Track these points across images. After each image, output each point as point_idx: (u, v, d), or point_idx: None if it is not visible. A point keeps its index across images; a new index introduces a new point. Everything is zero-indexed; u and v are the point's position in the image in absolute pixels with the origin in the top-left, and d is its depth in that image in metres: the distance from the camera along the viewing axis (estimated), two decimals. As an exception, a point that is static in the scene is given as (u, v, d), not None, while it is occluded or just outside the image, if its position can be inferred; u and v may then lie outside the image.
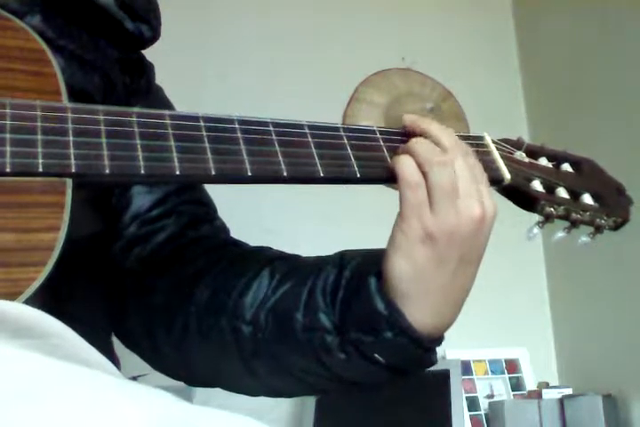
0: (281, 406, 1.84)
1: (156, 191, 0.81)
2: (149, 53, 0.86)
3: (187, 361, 0.75)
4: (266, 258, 0.76)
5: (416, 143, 0.65)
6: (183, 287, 0.75)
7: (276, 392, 0.76)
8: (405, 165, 0.64)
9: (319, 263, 0.71)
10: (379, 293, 0.64)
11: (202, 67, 1.99)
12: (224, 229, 0.86)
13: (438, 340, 0.66)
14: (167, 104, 0.86)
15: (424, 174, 0.63)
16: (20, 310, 0.49)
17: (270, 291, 0.71)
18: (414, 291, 0.63)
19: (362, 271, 0.66)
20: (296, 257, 0.76)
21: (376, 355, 0.65)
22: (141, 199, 0.80)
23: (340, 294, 0.67)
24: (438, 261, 0.62)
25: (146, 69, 0.86)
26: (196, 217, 0.83)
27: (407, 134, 0.69)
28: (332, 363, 0.67)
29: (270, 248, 0.80)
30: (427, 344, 0.64)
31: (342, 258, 0.70)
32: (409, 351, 0.64)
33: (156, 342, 0.76)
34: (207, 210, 0.86)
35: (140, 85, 0.83)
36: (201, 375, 0.77)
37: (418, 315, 0.63)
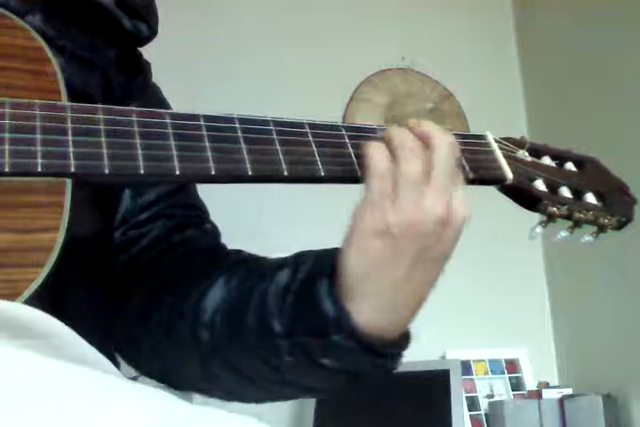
0: (281, 407, 1.84)
1: (146, 194, 0.80)
2: (149, 51, 0.86)
3: (162, 366, 0.75)
4: (230, 262, 0.74)
5: (392, 130, 0.63)
6: (154, 293, 0.74)
7: (237, 398, 0.74)
8: (375, 152, 0.61)
9: (276, 265, 0.68)
10: (328, 294, 0.61)
11: (201, 66, 1.99)
12: (212, 233, 0.84)
13: (392, 345, 0.63)
14: (163, 103, 0.85)
15: (394, 162, 0.60)
16: (19, 311, 0.49)
17: (226, 294, 0.69)
18: (366, 285, 0.60)
19: (314, 273, 0.64)
20: (258, 260, 0.74)
21: (325, 360, 0.62)
22: (131, 203, 0.79)
23: (291, 297, 0.64)
24: (393, 257, 0.59)
25: (142, 68, 0.85)
26: (184, 221, 0.81)
27: None
28: (284, 368, 0.64)
29: (240, 251, 0.78)
30: (379, 349, 0.61)
31: (297, 259, 0.68)
32: (358, 355, 0.61)
33: (136, 348, 0.75)
34: (197, 213, 0.84)
35: (135, 84, 0.83)
36: (176, 380, 0.75)
37: (368, 313, 0.60)
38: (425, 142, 0.62)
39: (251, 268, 0.71)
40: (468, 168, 0.67)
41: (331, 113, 2.05)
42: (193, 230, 0.81)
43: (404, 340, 0.64)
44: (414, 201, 0.59)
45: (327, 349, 0.61)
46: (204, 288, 0.70)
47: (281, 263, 0.68)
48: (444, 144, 0.62)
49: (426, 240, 0.60)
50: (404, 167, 0.60)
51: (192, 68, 1.96)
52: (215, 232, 0.85)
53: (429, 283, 0.62)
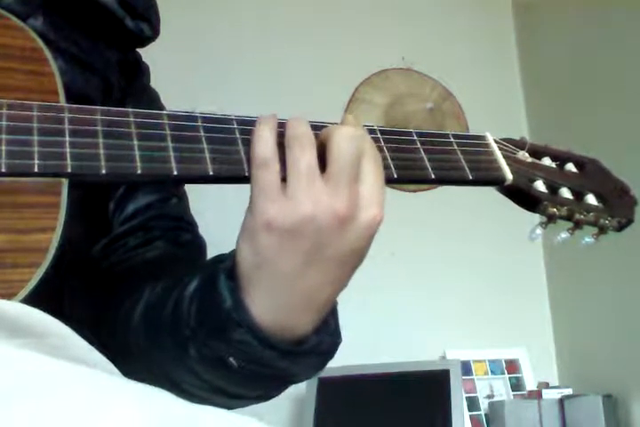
0: (281, 407, 1.84)
1: (127, 208, 0.79)
2: (148, 51, 0.86)
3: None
4: (165, 269, 0.73)
5: (291, 120, 0.60)
6: (102, 302, 0.74)
7: None
8: (260, 139, 0.59)
9: (197, 269, 0.67)
10: (226, 284, 0.59)
11: (201, 66, 1.99)
12: (192, 245, 0.82)
13: (298, 343, 0.60)
14: (159, 108, 0.85)
15: (284, 151, 0.58)
16: (18, 310, 0.49)
17: (148, 301, 0.68)
18: (258, 277, 0.58)
19: (218, 266, 0.62)
20: (192, 264, 0.74)
21: (232, 359, 0.60)
22: (112, 217, 0.78)
23: (197, 299, 0.63)
24: (281, 251, 0.57)
25: (141, 71, 0.85)
26: (158, 233, 0.80)
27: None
28: (200, 371, 0.63)
29: (179, 258, 0.78)
30: (281, 345, 0.59)
31: (213, 260, 0.66)
32: (260, 352, 0.59)
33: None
34: (176, 224, 0.82)
35: (134, 87, 0.82)
36: None
37: (262, 305, 0.59)
38: (325, 136, 0.60)
39: (180, 272, 0.69)
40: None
41: (331, 113, 2.05)
42: (164, 242, 0.80)
43: (323, 340, 0.62)
44: (307, 195, 0.56)
45: (230, 345, 0.60)
46: (136, 296, 0.70)
47: (201, 266, 0.67)
48: (343, 138, 0.58)
49: (322, 237, 0.57)
50: (290, 156, 0.58)
51: (191, 69, 1.95)
52: (199, 244, 0.83)
53: (330, 283, 0.59)
